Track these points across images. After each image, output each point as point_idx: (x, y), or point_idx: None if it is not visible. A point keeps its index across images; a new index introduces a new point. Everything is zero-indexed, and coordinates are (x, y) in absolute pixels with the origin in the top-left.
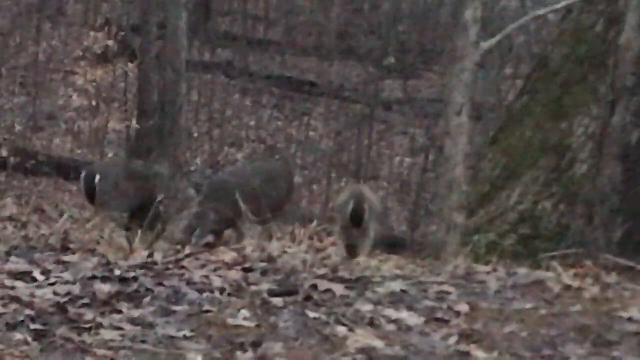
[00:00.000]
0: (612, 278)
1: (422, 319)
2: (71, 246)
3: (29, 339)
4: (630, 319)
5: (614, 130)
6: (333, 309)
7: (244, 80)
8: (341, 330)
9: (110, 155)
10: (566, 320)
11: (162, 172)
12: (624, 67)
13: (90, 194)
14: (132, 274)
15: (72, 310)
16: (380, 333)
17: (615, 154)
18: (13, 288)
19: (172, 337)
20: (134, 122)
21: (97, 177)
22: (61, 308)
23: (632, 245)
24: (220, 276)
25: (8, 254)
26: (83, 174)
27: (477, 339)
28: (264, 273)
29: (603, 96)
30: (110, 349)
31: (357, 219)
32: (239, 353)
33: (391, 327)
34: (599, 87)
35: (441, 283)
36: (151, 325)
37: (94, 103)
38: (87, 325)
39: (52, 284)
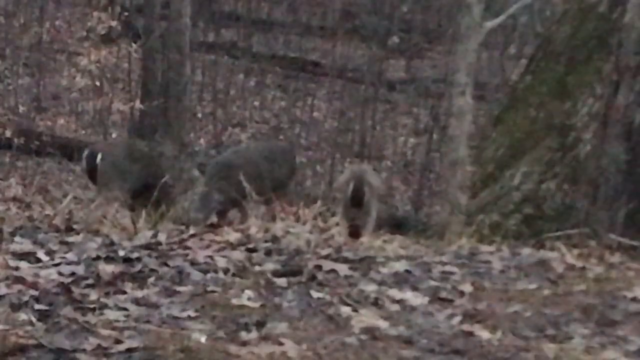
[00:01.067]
0: (616, 257)
1: (426, 299)
2: (75, 226)
3: (33, 319)
4: (634, 298)
5: (617, 110)
6: (337, 289)
7: (248, 60)
8: (345, 310)
9: (114, 135)
10: (570, 299)
11: (166, 152)
12: (627, 47)
13: (92, 173)
14: (136, 254)
15: (76, 290)
16: (384, 313)
17: (619, 134)
18: (17, 268)
19: (176, 317)
20: (138, 102)
21: (99, 157)
22: (65, 288)
23: (636, 225)
24: (224, 256)
25: (12, 234)
26: (85, 153)
27: (480, 318)
28: (268, 253)
29: (607, 76)
30: (114, 329)
31: (357, 200)
32: (243, 333)
33: (395, 307)
34: (602, 67)
35: (445, 263)
36: (155, 306)
37: (97, 83)
38: (91, 306)
39: (56, 264)
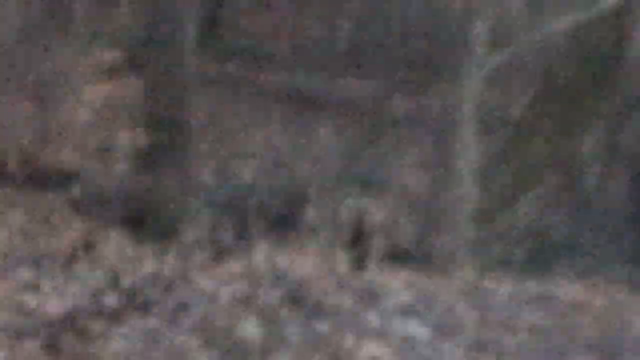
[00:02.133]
0: (622, 292)
1: (430, 330)
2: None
3: (38, 349)
4: (637, 332)
5: (623, 144)
6: (341, 321)
7: (252, 94)
8: (349, 341)
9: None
10: (575, 332)
11: (171, 185)
12: (632, 80)
13: None
14: (140, 285)
15: (80, 320)
16: (388, 344)
17: (625, 168)
18: (21, 299)
19: (181, 348)
20: (142, 136)
21: None
22: (70, 319)
23: None
24: (228, 287)
25: (17, 264)
26: None
27: (485, 350)
28: (272, 284)
29: (611, 109)
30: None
31: (358, 233)
32: None
33: (399, 339)
34: (607, 102)
35: (449, 295)
36: (159, 336)
37: (101, 117)
38: (95, 336)
39: (60, 295)
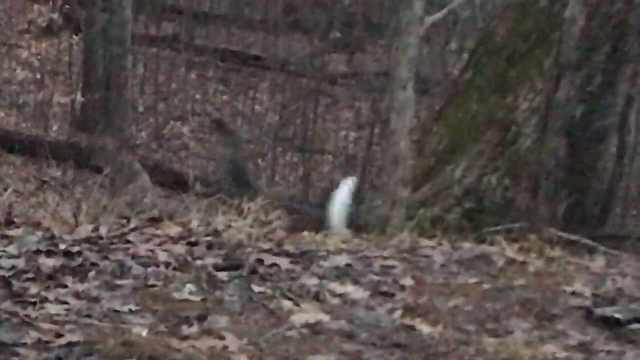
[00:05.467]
0: (556, 252)
1: (367, 293)
2: (16, 220)
3: None
4: (574, 293)
5: (558, 105)
6: (278, 283)
7: (190, 53)
8: (287, 304)
9: (55, 128)
10: (510, 294)
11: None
12: (568, 42)
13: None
14: (77, 248)
15: (16, 284)
16: (325, 307)
17: (560, 129)
18: None
19: (118, 311)
20: (79, 95)
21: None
22: (6, 282)
23: (576, 220)
24: (165, 250)
25: None
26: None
27: (421, 312)
28: (210, 247)
29: (548, 71)
30: (55, 323)
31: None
32: (184, 327)
33: (336, 301)
34: (544, 62)
35: (386, 257)
36: (96, 300)
37: (38, 76)
38: (32, 300)
39: None
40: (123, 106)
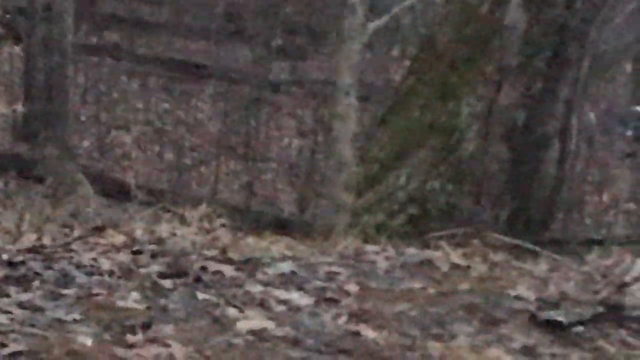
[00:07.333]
0: (500, 256)
1: (312, 299)
2: None
3: None
4: (517, 297)
5: (500, 110)
6: (223, 290)
7: (131, 62)
8: (231, 311)
9: None
10: (454, 298)
11: (50, 154)
12: (509, 47)
13: None
14: (20, 258)
15: None
16: (270, 314)
17: (502, 134)
18: None
19: (62, 321)
20: (20, 105)
21: None
22: None
23: (519, 224)
24: (109, 259)
25: None
26: None
27: (366, 318)
28: (153, 255)
29: (489, 76)
30: None
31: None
32: (129, 335)
33: (281, 308)
34: (485, 67)
35: (330, 263)
36: (40, 309)
37: None
38: None
39: None
40: (64, 115)
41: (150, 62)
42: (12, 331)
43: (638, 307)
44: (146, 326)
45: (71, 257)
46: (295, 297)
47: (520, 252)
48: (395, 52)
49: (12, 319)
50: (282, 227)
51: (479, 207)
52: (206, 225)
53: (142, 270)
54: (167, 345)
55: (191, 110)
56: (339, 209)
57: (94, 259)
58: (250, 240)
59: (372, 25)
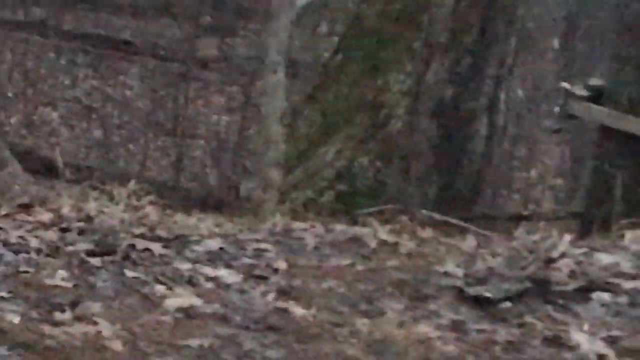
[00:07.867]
0: (428, 233)
1: (240, 276)
2: None
3: None
4: (445, 273)
5: (428, 87)
6: (151, 268)
7: (58, 38)
8: (160, 288)
9: None
10: (383, 275)
11: None
12: (437, 24)
13: None
14: None
15: None
16: (198, 291)
17: (430, 110)
18: None
19: None
20: None
21: None
22: None
23: (447, 200)
24: (36, 236)
25: None
26: None
27: (295, 295)
28: (81, 233)
29: (417, 53)
30: None
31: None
32: (56, 313)
33: (209, 285)
34: (413, 44)
35: (259, 240)
36: None
37: None
38: None
39: None
40: None
41: (78, 39)
42: None
43: (564, 282)
44: (74, 304)
45: None
46: (224, 274)
47: (449, 228)
48: (323, 29)
49: None
50: (210, 204)
51: (407, 184)
52: (134, 202)
53: (70, 248)
54: (95, 323)
55: (119, 87)
56: (267, 186)
57: (21, 237)
58: (179, 217)
59: (300, 2)
